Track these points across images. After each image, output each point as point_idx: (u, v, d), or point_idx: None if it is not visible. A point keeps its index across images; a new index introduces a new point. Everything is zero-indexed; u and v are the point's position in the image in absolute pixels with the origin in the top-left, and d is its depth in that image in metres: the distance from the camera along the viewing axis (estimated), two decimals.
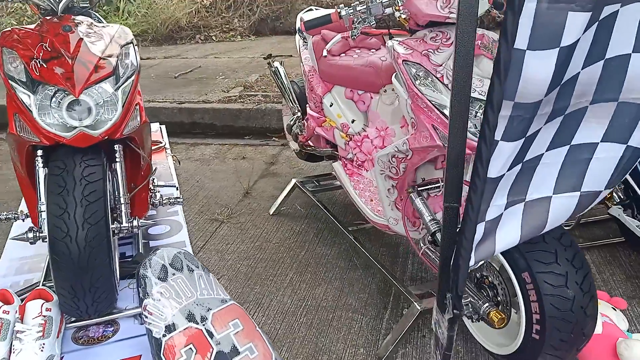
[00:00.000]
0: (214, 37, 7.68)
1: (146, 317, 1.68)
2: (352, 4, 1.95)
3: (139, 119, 1.95)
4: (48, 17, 2.04)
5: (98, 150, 1.85)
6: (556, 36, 0.93)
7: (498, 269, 1.70)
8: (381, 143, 2.40)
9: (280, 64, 2.98)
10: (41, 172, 1.87)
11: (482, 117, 1.62)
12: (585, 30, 0.96)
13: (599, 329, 1.75)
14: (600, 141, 1.10)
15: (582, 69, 1.02)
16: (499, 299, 1.71)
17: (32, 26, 1.99)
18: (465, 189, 1.13)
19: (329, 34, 2.59)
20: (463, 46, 1.01)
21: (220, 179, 3.53)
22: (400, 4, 1.88)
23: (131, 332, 1.96)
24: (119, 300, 2.03)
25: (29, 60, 1.80)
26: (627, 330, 1.86)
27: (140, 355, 1.84)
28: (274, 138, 4.26)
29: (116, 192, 1.97)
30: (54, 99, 1.77)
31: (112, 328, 1.98)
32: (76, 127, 1.77)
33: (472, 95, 1.55)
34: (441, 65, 1.73)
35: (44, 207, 1.82)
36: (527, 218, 1.16)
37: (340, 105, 2.51)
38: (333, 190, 3.06)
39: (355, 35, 1.95)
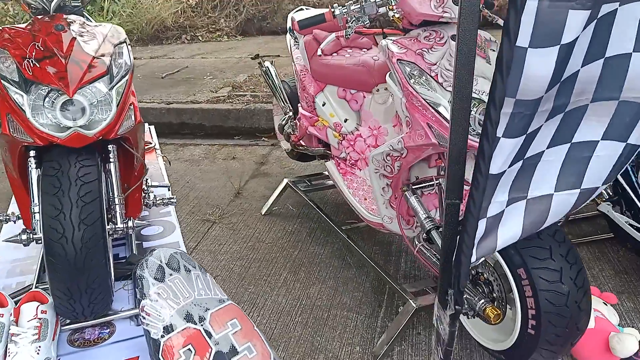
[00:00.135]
0: (200, 37, 7.66)
1: (144, 318, 1.67)
2: (346, 4, 1.96)
3: (133, 118, 1.94)
4: (39, 17, 2.02)
5: (92, 151, 1.83)
6: (557, 34, 0.95)
7: (493, 265, 1.72)
8: (374, 142, 2.41)
9: (271, 64, 2.98)
10: (34, 173, 1.85)
11: (476, 115, 1.66)
12: (584, 28, 0.97)
13: (591, 324, 1.77)
14: (601, 139, 1.12)
15: (581, 66, 1.03)
16: (494, 295, 1.73)
17: (24, 25, 1.97)
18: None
19: (320, 34, 2.60)
20: (465, 44, 1.03)
21: (211, 179, 3.52)
22: (394, 3, 1.89)
23: (128, 334, 1.94)
24: (115, 302, 2.01)
25: (21, 59, 1.78)
26: (618, 325, 1.89)
27: (138, 357, 1.82)
28: (263, 138, 4.25)
29: (110, 193, 1.95)
30: (47, 99, 1.75)
31: (108, 330, 1.96)
32: (70, 127, 1.75)
33: None
34: (435, 64, 1.74)
35: (37, 209, 1.80)
36: (528, 215, 1.18)
37: (333, 104, 2.52)
38: (325, 189, 3.07)
39: (349, 34, 1.96)
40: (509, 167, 1.10)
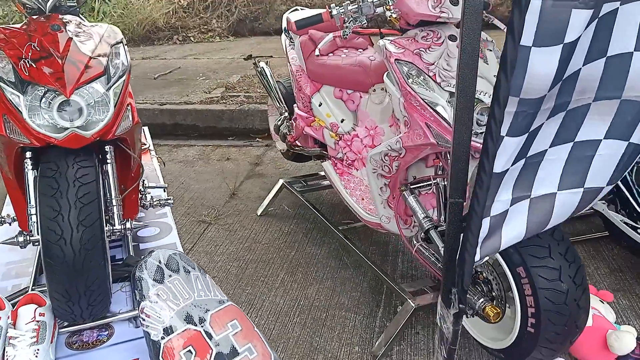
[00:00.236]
0: (192, 38, 7.62)
1: (143, 319, 1.66)
2: (343, 4, 1.96)
3: (130, 119, 1.93)
4: (35, 17, 2.00)
5: (90, 152, 1.82)
6: (560, 33, 0.96)
7: (492, 264, 1.73)
8: (371, 142, 2.41)
9: (266, 64, 2.98)
10: (30, 175, 1.83)
11: (475, 115, 1.66)
12: (586, 27, 0.98)
13: (589, 322, 1.79)
14: (604, 138, 1.13)
15: (583, 65, 1.04)
16: (493, 294, 1.74)
17: (19, 25, 1.95)
18: None
19: (316, 34, 2.60)
20: (468, 43, 1.03)
21: (206, 180, 3.51)
22: (391, 4, 1.89)
23: (126, 336, 1.93)
24: (113, 304, 1.99)
25: (17, 60, 1.76)
26: (615, 322, 1.90)
27: (138, 359, 1.82)
28: (257, 139, 4.25)
29: (108, 194, 1.94)
30: (44, 100, 1.73)
31: (107, 332, 1.95)
32: (67, 128, 1.73)
33: None
34: (433, 64, 1.75)
35: (34, 210, 1.78)
36: (532, 214, 1.18)
37: (330, 104, 2.52)
38: (321, 190, 3.06)
39: (347, 34, 1.96)
40: (512, 165, 1.10)
